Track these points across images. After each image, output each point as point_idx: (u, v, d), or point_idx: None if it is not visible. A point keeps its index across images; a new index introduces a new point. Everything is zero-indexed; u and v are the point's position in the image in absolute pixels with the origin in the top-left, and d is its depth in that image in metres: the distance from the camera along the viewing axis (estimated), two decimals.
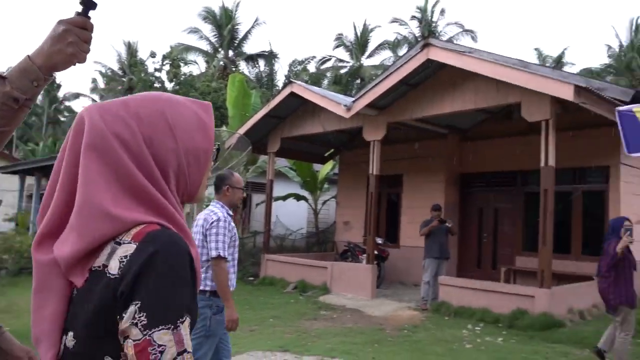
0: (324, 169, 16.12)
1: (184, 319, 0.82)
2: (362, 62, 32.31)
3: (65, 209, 0.89)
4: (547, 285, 7.22)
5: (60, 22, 1.05)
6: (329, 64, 32.97)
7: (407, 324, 7.42)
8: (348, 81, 30.90)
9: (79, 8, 1.05)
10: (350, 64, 32.36)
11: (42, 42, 1.07)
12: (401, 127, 10.45)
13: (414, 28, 31.91)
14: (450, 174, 11.33)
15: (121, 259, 0.83)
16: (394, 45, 31.81)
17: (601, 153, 9.06)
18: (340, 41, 32.68)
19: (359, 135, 10.68)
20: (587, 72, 32.05)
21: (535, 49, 34.28)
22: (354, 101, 9.81)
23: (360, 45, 32.45)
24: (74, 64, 1.09)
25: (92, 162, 0.87)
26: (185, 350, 0.81)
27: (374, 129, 9.83)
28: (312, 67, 32.21)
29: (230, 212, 3.60)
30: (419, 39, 29.73)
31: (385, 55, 32.81)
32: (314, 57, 33.19)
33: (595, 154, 9.11)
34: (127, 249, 0.84)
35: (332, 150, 14.16)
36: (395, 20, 31.74)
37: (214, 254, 3.35)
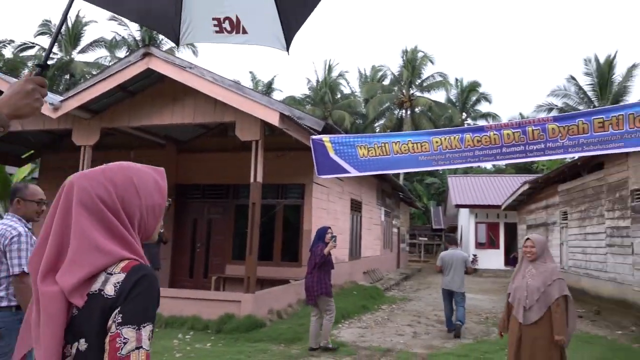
0: (21, 173, 14.03)
1: (147, 325, 1.14)
2: (73, 56, 29.35)
3: (59, 251, 1.18)
4: (252, 290, 7.95)
5: (28, 81, 1.34)
6: (31, 52, 28.84)
7: None
8: (55, 75, 27.62)
9: (37, 69, 1.40)
10: (59, 56, 29.02)
11: (9, 96, 1.31)
12: (117, 134, 9.99)
13: (134, 30, 30.75)
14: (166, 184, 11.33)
15: (115, 284, 1.15)
16: (111, 46, 29.98)
17: (299, 172, 10.51)
18: (46, 28, 29.00)
19: (67, 137, 9.74)
20: (291, 99, 36.56)
21: (250, 72, 37.25)
22: (63, 100, 8.92)
23: (71, 37, 29.45)
24: (35, 114, 1.38)
25: (82, 215, 1.18)
26: (141, 347, 1.11)
27: (85, 132, 9.13)
28: (8, 52, 27.63)
29: (29, 226, 3.38)
30: (140, 44, 28.78)
31: (101, 54, 30.64)
32: (12, 41, 28.59)
33: (295, 173, 10.52)
34: (119, 277, 1.16)
35: (31, 151, 12.45)
36: (113, 19, 29.97)
37: (16, 270, 3.18)
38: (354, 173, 6.58)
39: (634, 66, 29.42)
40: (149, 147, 11.01)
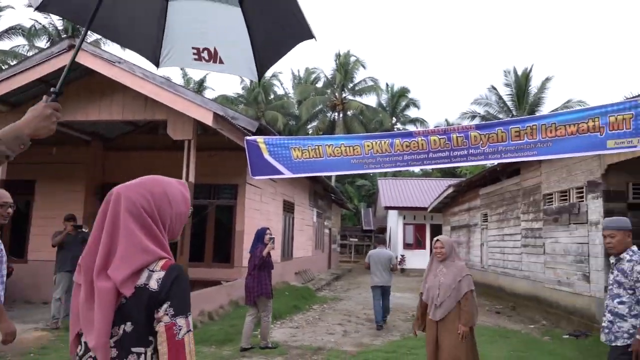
0: None
1: (190, 313, 1.44)
2: None
3: (109, 250, 1.41)
4: None
5: (46, 106, 1.58)
6: None
7: (34, 346, 6.73)
8: None
9: (52, 95, 1.67)
10: None
11: (30, 118, 1.55)
12: None
13: (56, 19, 29.06)
14: (91, 183, 10.86)
15: (157, 280, 1.41)
16: (30, 34, 28.14)
17: (232, 173, 10.45)
18: None
19: None
20: (224, 99, 36.03)
21: (181, 69, 36.27)
22: None
23: None
24: (50, 134, 1.62)
25: (129, 221, 1.43)
26: (190, 330, 1.42)
27: (2, 127, 8.54)
28: None
29: None
30: (62, 34, 27.27)
31: (19, 42, 28.69)
32: None
33: (228, 173, 10.45)
34: (160, 274, 1.42)
35: None
36: (32, 5, 28.11)
37: None
38: (287, 175, 6.65)
39: (547, 79, 31.75)
40: (73, 143, 10.51)
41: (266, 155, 6.74)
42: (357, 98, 39.57)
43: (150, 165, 10.64)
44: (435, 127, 35.02)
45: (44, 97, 1.65)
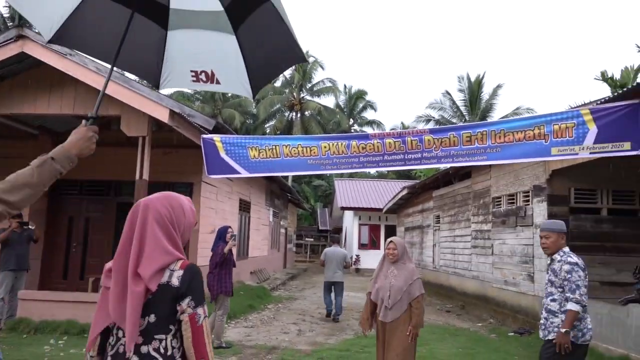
0: None
1: (205, 302, 1.79)
2: None
3: (140, 250, 1.73)
4: None
5: (88, 129, 1.90)
6: None
7: None
8: None
9: (90, 119, 1.98)
10: None
11: (75, 140, 1.86)
12: None
13: (2, 7, 27.72)
14: None
15: (178, 277, 1.74)
16: None
17: (187, 171, 10.29)
18: None
19: None
20: (180, 95, 35.32)
21: None
22: None
23: None
24: (91, 153, 1.93)
25: (156, 228, 1.76)
26: (206, 316, 1.78)
27: None
28: None
29: None
30: (9, 23, 26.06)
31: None
32: None
33: (183, 171, 10.28)
34: (179, 273, 1.75)
35: None
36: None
37: None
38: (244, 174, 6.64)
39: (498, 86, 32.88)
40: (19, 137, 10.07)
41: (222, 154, 6.70)
42: (315, 99, 39.72)
43: (102, 162, 10.39)
44: (391, 129, 35.63)
45: (83, 121, 1.96)
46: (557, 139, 5.47)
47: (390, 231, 24.98)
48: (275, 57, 2.52)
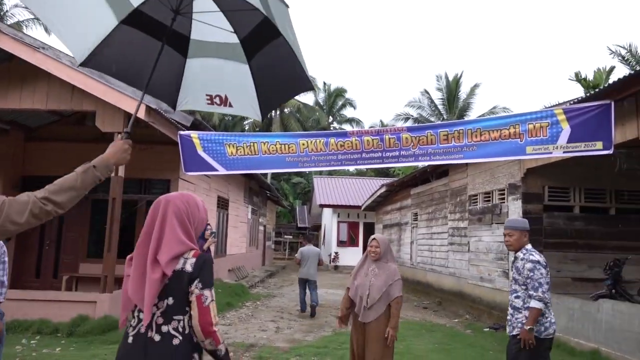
0: None
1: (212, 287, 2.01)
2: None
3: (159, 240, 2.00)
4: (109, 290, 7.54)
5: (124, 142, 2.20)
6: None
7: None
8: None
9: (125, 134, 2.30)
10: None
11: (114, 152, 2.16)
12: None
13: None
14: (10, 175, 10.20)
15: (191, 264, 2.00)
16: None
17: (164, 167, 10.17)
18: None
19: None
20: None
21: None
22: None
23: None
24: (126, 162, 2.24)
25: (174, 221, 2.03)
26: (213, 300, 1.99)
27: None
28: None
29: None
30: None
31: None
32: None
33: (160, 168, 10.16)
34: (192, 260, 2.01)
35: None
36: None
37: None
38: (221, 171, 6.60)
39: (476, 85, 33.28)
40: None
41: (200, 151, 6.64)
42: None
43: (76, 158, 10.16)
44: (370, 127, 35.79)
45: (119, 135, 2.38)
46: (532, 138, 5.56)
47: (369, 228, 25.11)
48: (284, 86, 2.77)
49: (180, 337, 1.98)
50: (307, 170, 7.01)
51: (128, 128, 2.37)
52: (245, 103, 2.85)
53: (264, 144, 6.37)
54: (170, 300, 1.98)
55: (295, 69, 2.56)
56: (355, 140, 6.07)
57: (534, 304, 3.83)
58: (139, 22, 2.53)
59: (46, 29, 28.19)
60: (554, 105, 7.78)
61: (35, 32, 29.08)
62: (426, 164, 7.42)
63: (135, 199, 10.36)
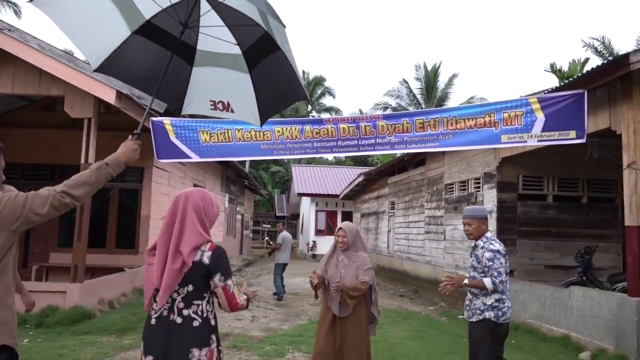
0: None
1: (232, 275, 2.32)
2: None
3: (180, 234, 2.26)
4: (79, 280, 7.37)
5: (134, 142, 2.41)
6: None
7: None
8: None
9: (135, 135, 2.47)
10: None
11: (124, 151, 2.37)
12: None
13: None
14: None
15: (209, 257, 2.28)
16: None
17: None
18: None
19: None
20: None
21: None
22: None
23: None
24: (135, 161, 2.48)
25: (193, 216, 2.28)
26: (234, 285, 2.34)
27: None
28: None
29: None
30: None
31: None
32: None
33: None
34: (208, 253, 2.29)
35: None
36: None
37: None
38: (195, 159, 6.46)
39: (454, 75, 33.49)
40: None
41: (173, 138, 6.49)
42: None
43: (45, 144, 9.93)
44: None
45: (130, 136, 2.42)
46: (507, 126, 5.58)
47: (347, 217, 25.17)
48: (281, 95, 2.96)
49: (200, 320, 2.28)
50: (282, 158, 6.92)
51: (138, 130, 2.54)
52: (246, 109, 3.04)
53: (238, 130, 6.26)
54: (190, 287, 2.28)
55: (292, 80, 2.79)
56: (331, 127, 6.00)
57: (487, 280, 3.84)
58: (150, 32, 2.75)
59: (16, 12, 27.32)
60: (529, 95, 7.84)
61: (5, 15, 28.10)
62: (402, 152, 7.39)
63: (107, 186, 10.12)
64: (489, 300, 3.84)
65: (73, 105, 7.31)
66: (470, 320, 3.98)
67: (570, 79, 5.79)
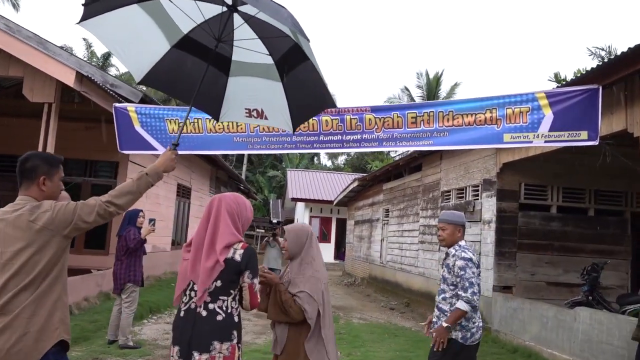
0: None
1: (258, 274, 2.59)
2: None
3: (214, 233, 2.48)
4: None
5: (172, 152, 2.62)
6: None
7: None
8: None
9: (172, 146, 2.67)
10: None
11: (163, 161, 2.58)
12: None
13: None
14: None
15: (240, 255, 2.49)
16: None
17: (113, 148, 9.21)
18: None
19: None
20: (132, 76, 33.58)
21: (84, 39, 33.41)
22: None
23: None
24: (173, 170, 2.71)
25: (226, 217, 2.52)
26: (259, 285, 2.67)
27: None
28: None
29: None
30: None
31: None
32: None
33: (107, 148, 9.22)
34: (240, 252, 2.49)
35: None
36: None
37: None
38: (161, 150, 5.76)
39: (456, 84, 32.90)
40: None
41: (137, 127, 5.80)
42: None
43: (13, 134, 9.22)
44: None
45: (168, 147, 2.62)
46: (510, 124, 4.89)
47: (342, 224, 24.47)
48: (312, 102, 3.06)
49: (224, 315, 2.41)
50: (255, 152, 6.26)
51: (176, 140, 2.72)
52: (279, 116, 3.17)
53: (210, 120, 5.56)
54: (219, 283, 2.42)
55: (320, 88, 2.87)
56: (312, 120, 5.32)
57: (461, 305, 3.41)
58: (187, 46, 2.95)
59: (14, 5, 26.71)
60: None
61: (3, 8, 27.56)
62: (391, 149, 6.68)
63: (78, 182, 9.45)
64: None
65: (32, 88, 6.63)
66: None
67: (584, 72, 5.13)
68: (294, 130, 3.23)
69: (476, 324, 3.48)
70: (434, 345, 3.47)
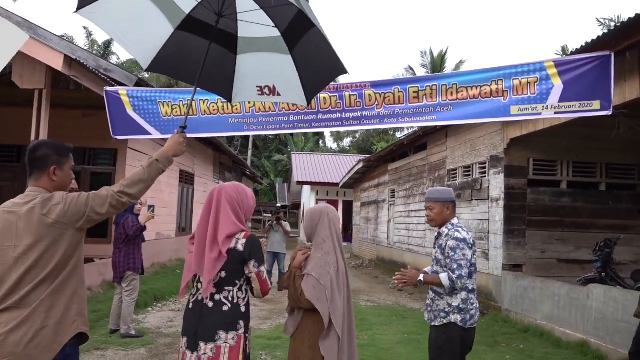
0: None
1: (265, 262, 2.58)
2: None
3: (216, 223, 2.47)
4: None
5: (180, 136, 2.51)
6: None
7: None
8: None
9: (180, 129, 2.56)
10: None
11: (172, 145, 2.46)
12: None
13: None
14: None
15: (242, 245, 2.49)
16: None
17: (111, 135, 9.09)
18: None
19: None
20: (134, 64, 33.35)
21: (84, 28, 33.11)
22: None
23: None
24: (181, 154, 2.57)
25: (227, 207, 2.50)
26: (267, 270, 4.06)
27: None
28: None
29: None
30: None
31: None
32: None
33: (106, 136, 9.04)
34: (243, 241, 2.50)
35: None
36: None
37: None
38: (155, 135, 5.58)
39: (461, 62, 32.36)
40: None
41: (130, 111, 5.61)
42: None
43: (10, 123, 9.06)
44: None
45: (176, 130, 2.54)
46: (518, 96, 4.63)
47: (349, 207, 24.30)
48: (323, 71, 2.94)
49: (230, 305, 2.44)
50: (252, 134, 6.05)
51: (184, 123, 2.64)
52: (292, 90, 3.04)
53: (203, 102, 5.35)
54: (223, 274, 2.45)
55: (330, 56, 2.72)
56: None
57: (443, 277, 3.22)
58: (190, 26, 2.84)
59: None
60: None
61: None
62: (393, 126, 6.46)
63: (77, 169, 9.30)
64: (455, 301, 3.24)
65: (22, 74, 6.44)
66: (433, 324, 3.34)
67: (595, 38, 4.84)
68: (308, 104, 3.13)
69: (474, 305, 3.29)
70: (402, 282, 3.37)
